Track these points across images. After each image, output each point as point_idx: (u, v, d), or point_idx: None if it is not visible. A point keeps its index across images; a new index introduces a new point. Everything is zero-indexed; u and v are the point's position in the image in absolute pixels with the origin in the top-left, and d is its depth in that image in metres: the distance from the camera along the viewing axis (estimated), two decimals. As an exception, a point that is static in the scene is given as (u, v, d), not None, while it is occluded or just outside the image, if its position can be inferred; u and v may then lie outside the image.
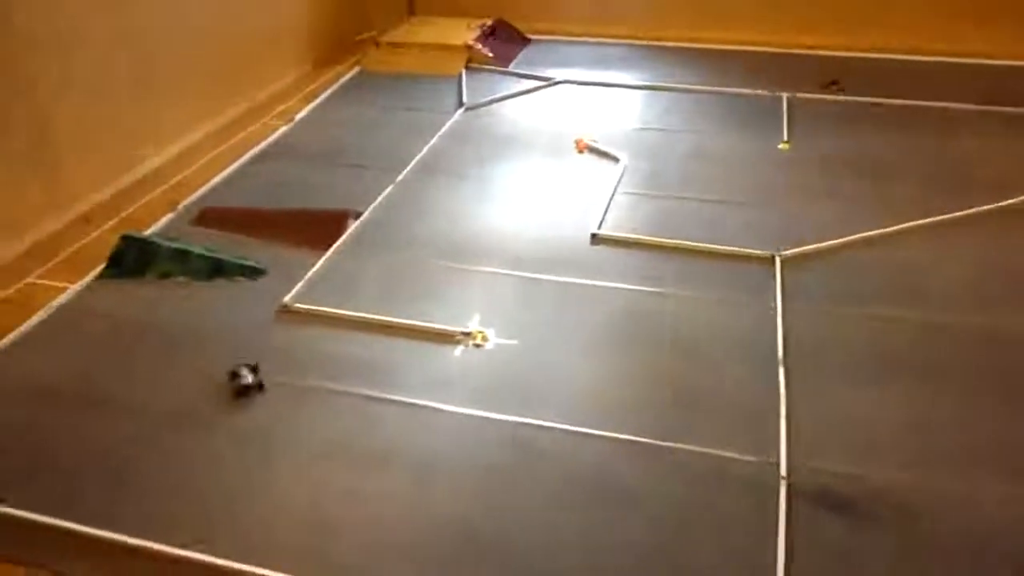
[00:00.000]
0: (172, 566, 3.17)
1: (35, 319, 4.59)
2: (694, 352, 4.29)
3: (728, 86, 7.64)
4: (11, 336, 4.44)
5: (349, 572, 3.13)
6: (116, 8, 5.82)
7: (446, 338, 4.38)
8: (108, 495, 3.50)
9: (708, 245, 5.13)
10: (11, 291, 4.89)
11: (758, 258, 5.01)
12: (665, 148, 6.52)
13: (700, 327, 4.47)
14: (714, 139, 6.67)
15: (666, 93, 7.59)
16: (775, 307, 4.56)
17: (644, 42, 8.87)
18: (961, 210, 5.44)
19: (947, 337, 4.35)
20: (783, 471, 3.50)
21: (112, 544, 3.25)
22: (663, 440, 3.69)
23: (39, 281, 4.99)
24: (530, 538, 3.26)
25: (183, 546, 3.21)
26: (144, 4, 6.07)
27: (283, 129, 6.97)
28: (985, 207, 5.48)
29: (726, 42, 8.67)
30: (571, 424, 3.80)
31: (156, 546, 3.22)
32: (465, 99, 7.46)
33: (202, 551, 3.19)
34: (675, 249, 5.14)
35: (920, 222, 5.34)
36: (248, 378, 3.97)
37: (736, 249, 5.08)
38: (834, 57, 8.35)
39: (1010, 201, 5.53)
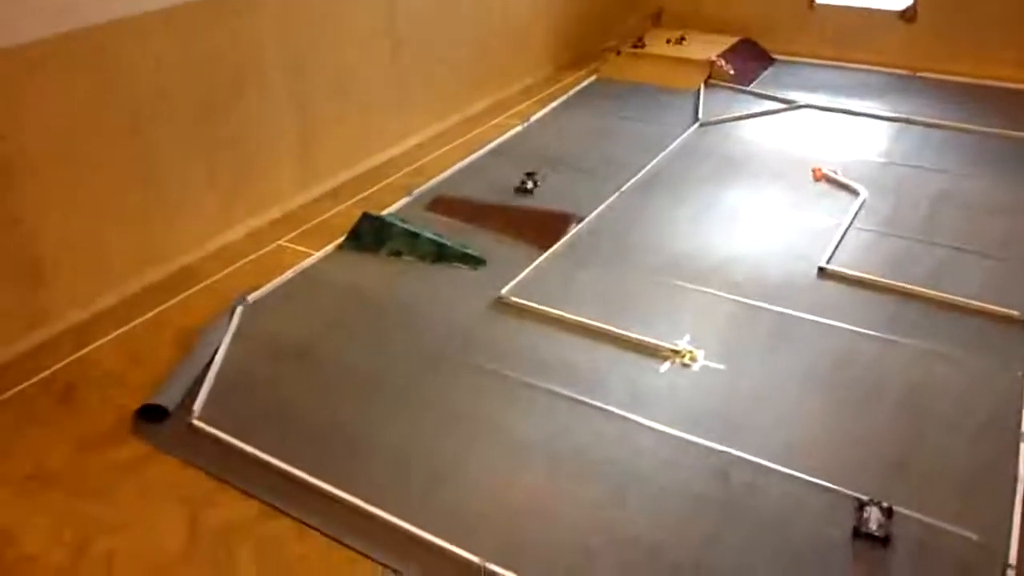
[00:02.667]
0: (364, 520, 3.40)
1: (281, 279, 5.05)
2: (921, 409, 3.96)
3: (994, 126, 6.97)
4: (259, 292, 4.91)
5: (528, 567, 3.18)
6: (378, 10, 6.28)
7: (653, 352, 4.33)
8: (319, 447, 3.79)
9: (951, 296, 4.71)
10: (262, 252, 5.42)
11: (1009, 318, 4.53)
12: (912, 186, 6.06)
13: (931, 384, 4.12)
14: (970, 182, 6.11)
15: (919, 128, 7.05)
16: (1021, 375, 4.11)
17: (898, 71, 8.29)
18: None
19: None
20: (1011, 559, 3.15)
21: (315, 489, 3.54)
22: (882, 500, 3.40)
23: (287, 245, 5.49)
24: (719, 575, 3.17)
25: (379, 505, 3.43)
26: (405, 7, 6.49)
27: (518, 128, 7.19)
28: None
29: (993, 78, 7.92)
30: (777, 464, 3.63)
31: (353, 499, 3.47)
32: (701, 115, 7.34)
33: (394, 514, 3.39)
34: (912, 296, 4.76)
35: None
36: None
37: (983, 305, 4.63)
38: None
39: None
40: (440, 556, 3.24)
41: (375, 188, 6.23)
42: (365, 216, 5.51)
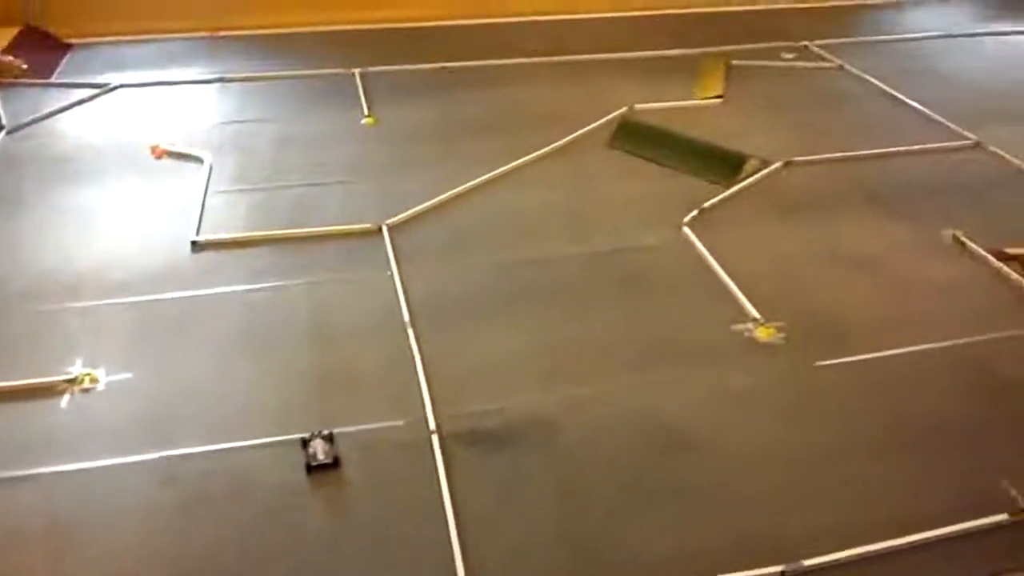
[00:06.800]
0: None
1: None
2: (328, 336, 4.27)
3: (300, 68, 7.61)
4: None
5: None
6: None
7: (46, 391, 3.83)
8: None
9: (315, 229, 5.11)
10: None
11: (365, 232, 5.11)
12: (249, 140, 6.32)
13: (327, 311, 4.46)
14: (297, 123, 6.61)
15: (238, 84, 7.33)
16: (391, 274, 4.71)
17: (204, 34, 8.43)
18: (537, 149, 6.07)
19: (551, 265, 4.84)
20: (431, 425, 3.67)
21: None
22: (321, 430, 3.60)
23: None
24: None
25: None
26: None
27: None
28: (559, 143, 6.19)
29: (290, 25, 8.60)
30: (220, 443, 3.59)
31: None
32: (4, 120, 6.47)
33: None
34: (283, 239, 5.04)
35: (506, 167, 5.86)
36: None
37: (343, 227, 5.13)
38: (402, 29, 8.72)
39: (577, 133, 6.33)
40: None
41: None
42: None
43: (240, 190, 5.60)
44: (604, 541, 3.18)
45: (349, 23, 8.69)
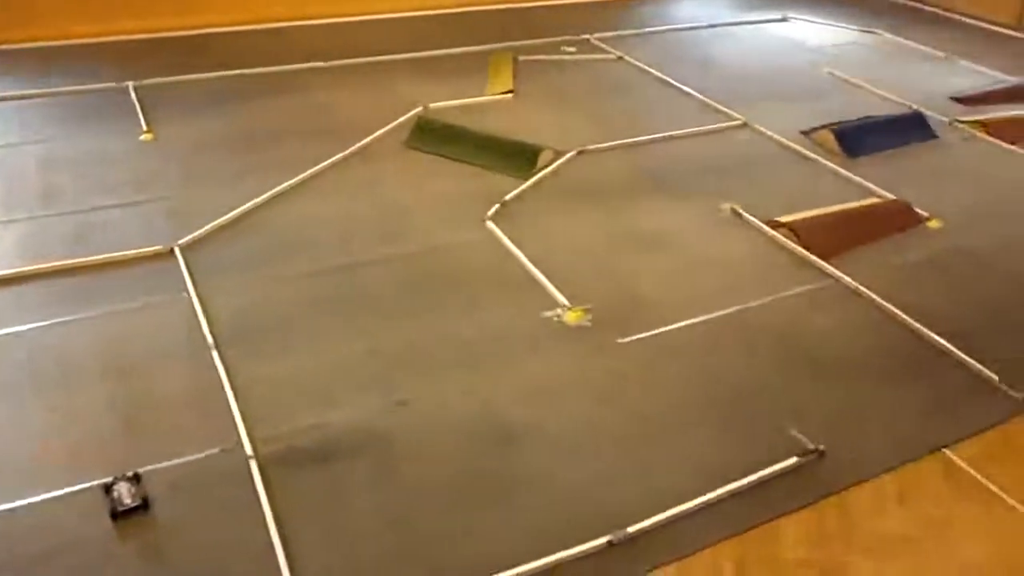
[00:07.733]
0: None
1: None
2: (126, 370, 3.97)
3: (63, 85, 7.00)
4: None
5: None
6: None
7: None
8: None
9: (99, 257, 4.73)
10: None
11: (156, 255, 4.80)
12: (10, 165, 5.74)
13: (122, 343, 4.14)
14: (67, 144, 6.08)
15: (-9, 105, 6.66)
16: (188, 296, 4.45)
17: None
18: (333, 155, 5.96)
19: (358, 271, 4.75)
20: (248, 450, 3.51)
21: None
22: (126, 471, 3.34)
23: None
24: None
25: None
26: None
27: None
28: (356, 146, 6.12)
29: (48, 39, 7.89)
30: (8, 502, 3.25)
31: None
32: None
33: None
34: (63, 271, 4.62)
35: (303, 175, 5.71)
36: None
37: (131, 252, 4.79)
38: (181, 38, 8.24)
39: (373, 136, 6.28)
40: None
41: None
42: None
43: (5, 221, 5.09)
44: (438, 546, 3.17)
45: (119, 34, 8.12)
